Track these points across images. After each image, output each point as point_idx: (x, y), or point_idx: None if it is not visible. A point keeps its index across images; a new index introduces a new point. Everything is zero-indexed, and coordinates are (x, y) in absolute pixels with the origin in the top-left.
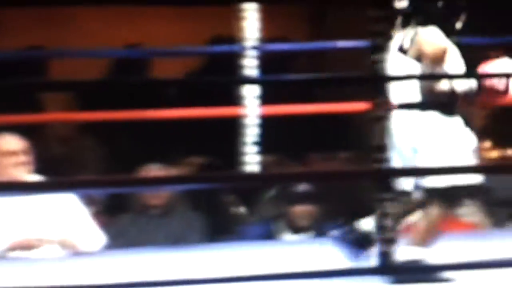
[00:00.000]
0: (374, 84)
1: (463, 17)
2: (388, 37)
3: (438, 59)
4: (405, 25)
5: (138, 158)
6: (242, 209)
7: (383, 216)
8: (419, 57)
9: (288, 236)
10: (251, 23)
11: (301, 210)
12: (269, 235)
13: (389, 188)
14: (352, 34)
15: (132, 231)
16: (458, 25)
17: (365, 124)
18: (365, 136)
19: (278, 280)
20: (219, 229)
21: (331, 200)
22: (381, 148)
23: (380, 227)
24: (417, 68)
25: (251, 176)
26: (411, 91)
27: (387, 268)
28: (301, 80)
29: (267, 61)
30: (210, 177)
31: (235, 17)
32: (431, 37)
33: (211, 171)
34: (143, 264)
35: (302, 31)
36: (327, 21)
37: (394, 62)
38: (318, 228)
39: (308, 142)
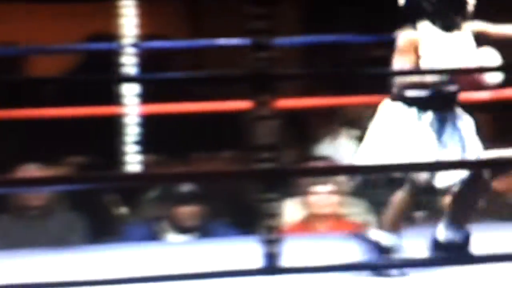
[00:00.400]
0: (256, 82)
1: (463, 12)
2: (270, 35)
3: (404, 51)
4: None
5: (14, 158)
6: (124, 210)
7: (267, 216)
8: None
9: (173, 237)
10: (129, 21)
11: (185, 210)
12: (152, 236)
13: (273, 188)
14: (233, 31)
15: (11, 233)
16: (458, 20)
17: (249, 123)
18: (250, 136)
19: (162, 282)
20: (101, 230)
21: (215, 200)
22: (265, 147)
23: (265, 228)
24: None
25: (133, 176)
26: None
27: (272, 269)
28: (181, 78)
29: (146, 59)
30: (90, 177)
31: (113, 14)
32: (406, 31)
33: (92, 171)
34: (22, 266)
35: (181, 28)
36: (207, 19)
37: None
38: (203, 229)
39: (191, 141)
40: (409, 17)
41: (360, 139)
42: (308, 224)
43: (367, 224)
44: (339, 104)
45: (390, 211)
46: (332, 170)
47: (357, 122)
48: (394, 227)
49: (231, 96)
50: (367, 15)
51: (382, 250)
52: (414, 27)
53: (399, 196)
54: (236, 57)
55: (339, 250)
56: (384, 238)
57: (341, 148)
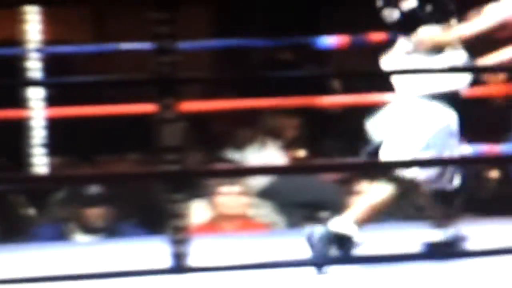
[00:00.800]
0: (160, 86)
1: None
2: (173, 39)
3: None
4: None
5: None
6: (31, 211)
7: (174, 217)
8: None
9: (81, 238)
10: (34, 27)
11: (93, 211)
12: (60, 237)
13: (180, 189)
14: (138, 36)
15: None
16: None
17: (156, 125)
18: (156, 138)
19: (70, 281)
20: (9, 231)
21: (123, 201)
22: (171, 149)
23: (173, 228)
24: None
25: (40, 178)
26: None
27: (179, 268)
28: (86, 82)
29: (52, 63)
30: None
31: (18, 20)
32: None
33: None
34: None
35: (86, 33)
36: (112, 24)
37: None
38: (111, 229)
39: (98, 144)
40: (403, 28)
41: (284, 147)
42: (216, 224)
43: (274, 225)
44: (246, 107)
45: (367, 203)
46: (237, 172)
47: (281, 131)
48: (366, 221)
49: (140, 99)
50: (279, 19)
51: (344, 241)
52: (410, 36)
53: (383, 191)
54: (142, 61)
55: (246, 250)
56: (351, 229)
57: (267, 158)
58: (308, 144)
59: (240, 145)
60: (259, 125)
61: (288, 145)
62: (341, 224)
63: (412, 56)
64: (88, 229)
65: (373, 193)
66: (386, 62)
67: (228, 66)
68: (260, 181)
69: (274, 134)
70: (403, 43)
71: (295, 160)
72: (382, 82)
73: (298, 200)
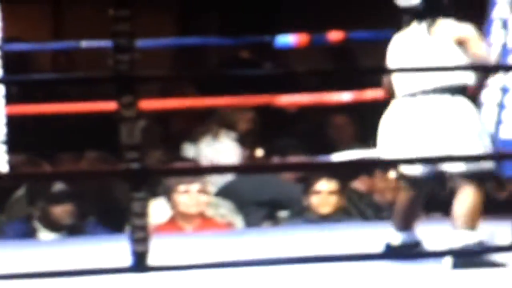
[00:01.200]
0: (118, 84)
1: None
2: (132, 37)
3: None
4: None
5: None
6: None
7: (135, 215)
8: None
9: (45, 235)
10: None
11: (56, 209)
12: (24, 235)
13: (140, 187)
14: (97, 33)
15: None
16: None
17: (116, 123)
18: (117, 136)
19: (33, 279)
20: None
21: (87, 199)
22: (132, 147)
23: (133, 227)
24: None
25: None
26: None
27: (140, 267)
28: (46, 80)
29: (11, 61)
30: None
31: None
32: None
33: None
34: None
35: (46, 31)
36: (71, 21)
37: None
38: (74, 227)
39: (59, 141)
40: (424, 15)
41: (239, 141)
42: (175, 223)
43: (233, 224)
44: (205, 105)
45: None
46: (197, 170)
47: (234, 124)
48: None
49: (102, 97)
50: (238, 18)
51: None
52: (432, 23)
53: (473, 193)
54: (102, 59)
55: (205, 249)
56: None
57: (221, 149)
58: (265, 143)
59: (194, 139)
60: (213, 118)
61: (243, 138)
62: (464, 237)
63: (427, 45)
64: (51, 227)
65: (467, 197)
66: (396, 48)
67: (188, 64)
68: (219, 180)
69: (227, 126)
70: (416, 29)
71: (254, 159)
72: (341, 81)
73: (258, 199)
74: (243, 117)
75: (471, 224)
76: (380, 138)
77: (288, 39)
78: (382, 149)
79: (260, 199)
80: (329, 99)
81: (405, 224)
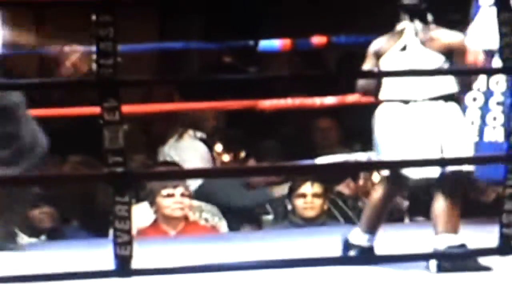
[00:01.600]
0: (101, 88)
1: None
2: (114, 42)
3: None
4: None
5: None
6: None
7: (118, 219)
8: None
9: (24, 239)
10: None
11: (36, 212)
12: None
13: (123, 191)
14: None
15: None
16: None
17: (99, 128)
18: (100, 140)
19: (13, 283)
20: None
21: (68, 203)
22: (115, 151)
23: (116, 230)
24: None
25: None
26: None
27: (123, 271)
28: (29, 84)
29: None
30: None
31: None
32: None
33: None
34: None
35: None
36: (53, 26)
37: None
38: (56, 231)
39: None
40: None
41: (204, 141)
42: (159, 227)
43: (217, 228)
44: (187, 110)
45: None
46: (180, 174)
47: (201, 123)
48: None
49: (87, 102)
50: (222, 22)
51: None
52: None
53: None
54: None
55: (189, 253)
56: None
57: (184, 149)
58: (249, 146)
59: (165, 141)
60: (179, 118)
61: (209, 136)
62: (448, 239)
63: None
64: (31, 231)
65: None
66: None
67: (171, 69)
68: (198, 184)
69: (194, 126)
70: (414, 30)
71: (236, 162)
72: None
73: (241, 203)
74: (208, 115)
75: (451, 228)
76: (379, 141)
77: (272, 44)
78: (383, 151)
79: (243, 203)
80: (312, 102)
81: (373, 226)
